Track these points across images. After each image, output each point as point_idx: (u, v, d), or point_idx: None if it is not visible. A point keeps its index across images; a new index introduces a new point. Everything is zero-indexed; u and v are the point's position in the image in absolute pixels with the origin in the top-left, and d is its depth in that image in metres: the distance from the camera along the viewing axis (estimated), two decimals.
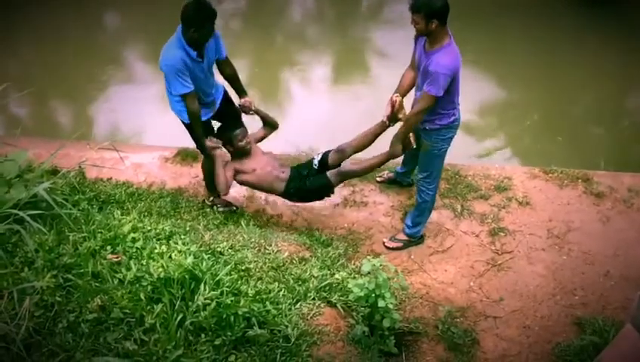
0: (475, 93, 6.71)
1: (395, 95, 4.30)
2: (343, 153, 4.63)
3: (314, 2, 9.94)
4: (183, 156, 5.67)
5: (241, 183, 4.80)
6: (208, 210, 5.02)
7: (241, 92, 4.73)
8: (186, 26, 4.06)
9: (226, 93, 4.78)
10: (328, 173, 4.62)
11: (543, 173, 5.46)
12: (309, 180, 4.66)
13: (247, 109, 4.74)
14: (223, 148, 4.70)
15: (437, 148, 4.32)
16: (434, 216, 4.95)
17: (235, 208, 5.09)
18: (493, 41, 7.97)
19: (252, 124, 4.90)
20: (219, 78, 4.67)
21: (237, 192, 5.34)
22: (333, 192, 4.76)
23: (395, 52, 7.21)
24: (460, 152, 5.52)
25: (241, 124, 4.78)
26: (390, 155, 4.42)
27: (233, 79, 4.67)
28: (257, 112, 4.82)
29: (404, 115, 4.27)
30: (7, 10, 8.73)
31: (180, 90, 4.20)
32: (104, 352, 2.92)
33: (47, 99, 7.23)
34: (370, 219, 5.07)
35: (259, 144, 4.94)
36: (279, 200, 5.21)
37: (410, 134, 4.30)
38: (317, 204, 5.14)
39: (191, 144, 4.92)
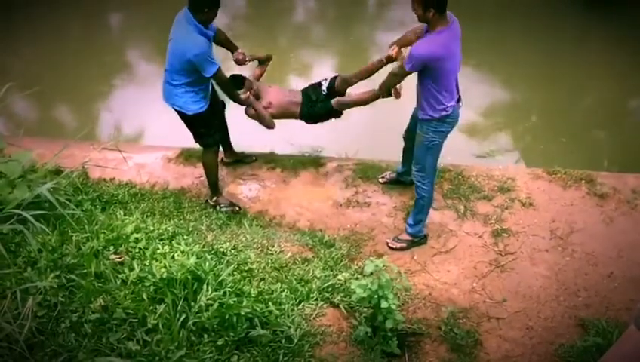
0: (478, 94, 6.71)
1: (393, 47, 4.49)
2: (348, 81, 5.05)
3: (317, 3, 9.95)
4: (186, 156, 5.67)
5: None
6: (211, 210, 5.03)
7: (233, 48, 4.97)
8: (198, 8, 4.24)
9: (214, 90, 4.94)
10: (333, 102, 5.01)
11: (547, 173, 5.45)
12: (318, 106, 5.09)
13: (242, 61, 4.99)
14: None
15: (427, 139, 4.35)
16: (437, 216, 4.94)
17: (238, 208, 5.10)
18: (495, 41, 7.97)
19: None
20: None
21: (241, 192, 5.35)
22: (340, 115, 5.15)
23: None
24: (463, 153, 5.53)
25: (223, 119, 5.06)
26: (377, 94, 4.71)
27: (226, 40, 4.90)
28: (252, 58, 5.09)
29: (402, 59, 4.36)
30: (9, 10, 8.76)
31: (214, 69, 4.38)
32: (107, 352, 2.92)
33: (50, 99, 7.24)
34: (372, 219, 5.06)
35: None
36: (282, 201, 5.22)
37: (398, 86, 4.56)
38: (319, 204, 5.14)
39: (193, 144, 4.94)
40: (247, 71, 5.24)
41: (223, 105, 5.18)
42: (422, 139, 4.38)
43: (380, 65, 4.70)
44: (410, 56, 4.00)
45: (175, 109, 4.66)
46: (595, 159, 6.25)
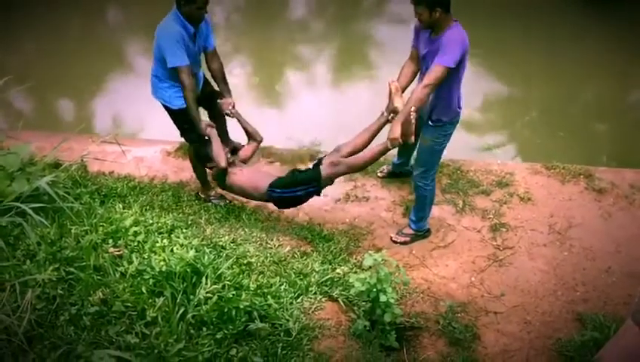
0: (476, 89, 6.71)
1: (392, 80, 4.26)
2: (338, 153, 4.45)
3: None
4: (185, 150, 5.66)
5: (230, 187, 4.66)
6: (210, 204, 5.03)
7: (226, 91, 4.70)
8: (177, 0, 4.14)
9: (205, 78, 4.85)
10: (321, 166, 4.41)
11: (545, 168, 5.46)
12: (300, 175, 4.52)
13: (226, 108, 4.65)
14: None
15: (439, 143, 4.30)
16: (435, 211, 4.94)
17: (228, 201, 5.09)
18: (494, 36, 7.95)
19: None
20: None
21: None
22: (319, 191, 4.48)
23: (397, 47, 7.18)
24: (461, 148, 5.52)
25: (217, 110, 4.78)
26: (387, 147, 4.14)
27: (220, 75, 4.67)
28: (238, 118, 4.74)
29: (402, 104, 4.13)
30: (8, 4, 8.73)
31: (176, 61, 4.18)
32: (106, 345, 2.93)
33: (49, 93, 7.23)
34: (371, 214, 5.06)
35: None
36: None
37: (413, 122, 3.94)
38: (318, 198, 5.14)
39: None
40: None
41: (217, 96, 4.82)
42: (431, 143, 4.30)
43: (382, 122, 4.38)
44: (450, 47, 3.76)
45: (161, 103, 4.63)
46: (593, 154, 6.25)
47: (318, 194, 4.51)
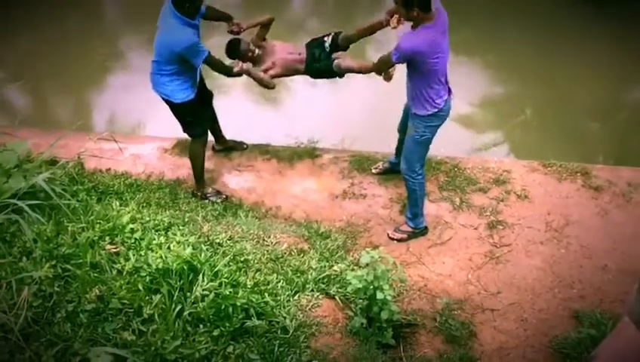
0: (473, 87, 6.71)
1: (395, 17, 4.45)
2: (350, 39, 5.03)
3: None
4: (182, 147, 5.66)
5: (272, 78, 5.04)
6: (207, 201, 5.02)
7: (227, 18, 4.94)
8: (180, 4, 4.26)
9: (201, 77, 4.96)
10: (334, 64, 4.95)
11: (542, 166, 5.46)
12: (320, 63, 5.01)
13: (237, 33, 4.96)
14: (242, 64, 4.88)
15: (418, 133, 4.39)
16: (432, 208, 4.95)
17: (225, 196, 5.12)
18: (491, 35, 7.95)
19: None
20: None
21: (236, 183, 5.34)
22: (342, 76, 5.10)
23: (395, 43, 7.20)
24: (458, 146, 5.53)
25: (211, 110, 5.09)
26: (373, 69, 4.66)
27: (217, 13, 4.89)
28: (250, 26, 5.04)
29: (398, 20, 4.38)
30: (7, 4, 8.71)
31: (203, 56, 4.40)
32: (102, 342, 2.92)
33: (45, 90, 7.23)
34: (368, 211, 5.07)
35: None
36: (278, 192, 5.22)
37: (390, 71, 4.59)
38: (315, 195, 5.15)
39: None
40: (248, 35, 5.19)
41: (211, 98, 5.19)
42: (413, 133, 4.43)
43: (380, 27, 4.76)
44: (397, 48, 4.04)
45: (162, 98, 4.65)
46: (590, 152, 6.26)
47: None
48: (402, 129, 4.84)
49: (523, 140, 6.63)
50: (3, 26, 8.25)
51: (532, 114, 7.02)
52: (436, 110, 4.27)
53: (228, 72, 4.77)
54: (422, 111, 4.30)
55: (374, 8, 9.21)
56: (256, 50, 5.01)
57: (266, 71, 4.96)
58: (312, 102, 6.89)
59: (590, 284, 4.39)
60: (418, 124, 4.36)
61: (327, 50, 5.01)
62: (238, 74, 4.84)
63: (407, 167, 4.56)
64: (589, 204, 5.08)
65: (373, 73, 4.72)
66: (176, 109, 4.70)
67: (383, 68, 4.49)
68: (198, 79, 4.79)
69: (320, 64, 5.03)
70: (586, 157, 5.89)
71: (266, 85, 4.98)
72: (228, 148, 5.62)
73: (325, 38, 5.08)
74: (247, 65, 4.91)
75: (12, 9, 8.60)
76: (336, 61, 4.98)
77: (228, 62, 4.86)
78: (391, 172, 5.35)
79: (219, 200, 5.03)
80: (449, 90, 4.34)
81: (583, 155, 5.94)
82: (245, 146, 5.67)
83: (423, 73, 4.13)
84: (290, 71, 5.13)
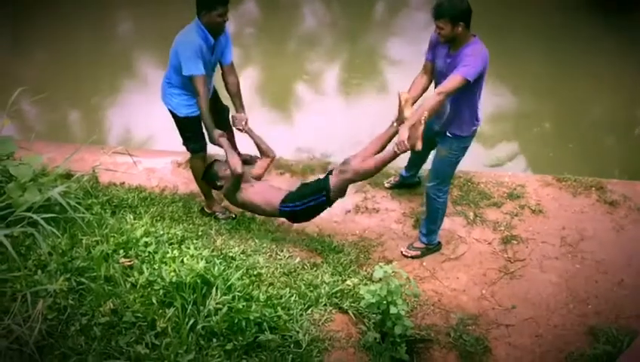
0: (487, 101, 6.67)
1: (402, 91, 4.17)
2: (346, 164, 4.31)
3: (326, 11, 9.97)
4: None
5: (242, 203, 4.60)
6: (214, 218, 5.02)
7: (239, 106, 4.69)
8: (199, 8, 4.18)
9: (215, 92, 4.85)
10: (330, 176, 4.36)
11: (557, 181, 5.43)
12: (309, 186, 4.52)
13: (238, 124, 4.65)
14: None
15: (455, 156, 4.30)
16: (446, 223, 4.93)
17: (234, 215, 5.07)
18: (505, 48, 7.94)
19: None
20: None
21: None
22: (330, 201, 4.41)
23: (407, 59, 7.22)
24: (472, 160, 5.50)
25: (226, 126, 4.76)
26: (395, 152, 3.96)
27: (235, 89, 4.67)
28: (250, 134, 4.69)
29: (412, 113, 4.02)
30: (21, 15, 8.83)
31: (192, 69, 4.20)
32: (116, 356, 2.92)
33: (61, 104, 7.29)
34: (381, 225, 5.05)
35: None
36: None
37: (421, 127, 3.76)
38: (328, 210, 5.13)
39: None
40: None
41: (227, 113, 4.99)
42: (448, 155, 4.30)
43: (392, 132, 4.26)
44: (472, 60, 3.75)
45: (168, 109, 4.66)
46: (605, 167, 6.22)
47: (330, 205, 4.45)
48: None
49: (537, 154, 6.60)
50: (18, 42, 8.36)
51: (546, 128, 7.00)
52: (475, 130, 4.20)
53: (207, 124, 4.42)
54: (464, 132, 4.18)
55: (385, 23, 9.28)
56: (246, 173, 4.54)
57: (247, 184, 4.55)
58: (325, 116, 6.90)
59: (606, 300, 4.35)
60: (457, 147, 4.24)
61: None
62: (213, 136, 4.42)
63: (436, 186, 4.46)
64: (604, 219, 5.04)
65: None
66: (178, 123, 4.67)
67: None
68: (209, 95, 4.70)
69: (312, 184, 4.53)
70: (601, 171, 5.85)
71: (233, 171, 4.36)
72: (242, 162, 5.57)
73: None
74: (225, 143, 4.42)
75: (26, 23, 8.71)
76: (332, 176, 4.34)
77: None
78: (402, 186, 5.33)
79: (228, 220, 4.99)
80: None
81: (597, 170, 5.90)
82: (256, 159, 5.48)
83: (478, 90, 3.99)
84: (261, 203, 4.51)
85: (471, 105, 4.07)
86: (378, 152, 4.32)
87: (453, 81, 3.79)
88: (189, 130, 4.68)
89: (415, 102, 4.23)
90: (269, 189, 4.62)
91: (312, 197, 4.37)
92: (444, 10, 3.73)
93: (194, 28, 4.25)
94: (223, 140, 4.43)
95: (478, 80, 3.86)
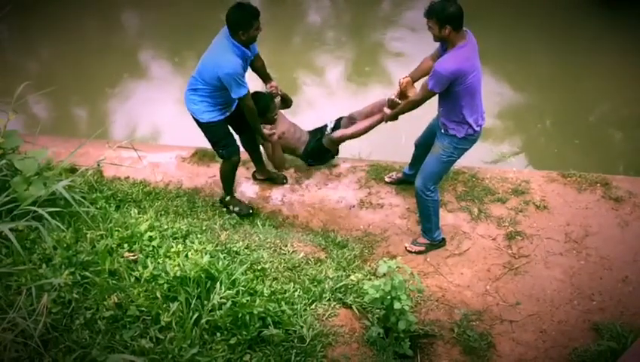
0: (491, 97, 6.68)
1: (404, 77, 4.45)
2: (353, 121, 5.18)
3: (330, 7, 9.95)
4: (200, 156, 5.69)
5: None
6: (224, 209, 5.04)
7: (268, 79, 4.99)
8: (235, 30, 4.20)
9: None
10: (323, 140, 5.20)
11: (561, 176, 5.41)
12: (310, 144, 5.29)
13: (276, 93, 5.05)
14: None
15: (446, 153, 4.31)
16: (450, 218, 4.93)
17: (251, 210, 5.08)
18: (510, 44, 7.92)
19: None
20: None
21: (254, 192, 5.36)
22: (333, 156, 5.40)
23: (412, 54, 7.20)
24: (476, 156, 5.50)
25: (248, 127, 4.86)
26: (380, 120, 4.80)
27: (263, 69, 4.89)
28: (282, 95, 5.17)
29: (413, 94, 4.36)
30: (27, 10, 8.83)
31: (242, 92, 4.33)
32: (120, 349, 2.94)
33: (66, 98, 7.30)
34: (386, 221, 5.05)
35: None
36: (295, 201, 5.23)
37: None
38: (333, 205, 5.14)
39: (206, 144, 4.93)
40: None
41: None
42: (440, 151, 4.33)
43: (389, 104, 4.62)
44: (434, 74, 3.91)
45: (191, 115, 4.65)
46: (610, 163, 6.19)
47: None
48: (421, 143, 4.80)
49: (542, 150, 6.58)
50: (23, 36, 8.37)
51: (551, 124, 6.97)
52: (470, 133, 4.20)
53: (256, 125, 4.75)
54: (459, 133, 4.19)
55: (390, 19, 9.25)
56: (276, 117, 5.18)
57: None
58: (330, 112, 6.89)
59: (610, 296, 4.34)
60: (448, 144, 4.26)
61: (328, 133, 5.26)
62: (263, 135, 4.89)
63: (422, 183, 4.47)
64: (609, 215, 5.02)
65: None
66: (202, 128, 4.69)
67: (410, 109, 4.35)
68: (233, 104, 4.72)
69: (310, 145, 5.31)
70: (606, 167, 5.83)
71: (278, 166, 5.28)
72: (268, 178, 5.52)
73: (328, 123, 5.37)
74: (275, 138, 5.02)
75: (32, 18, 8.71)
76: (326, 138, 5.18)
77: None
78: (403, 183, 5.32)
79: (241, 211, 5.04)
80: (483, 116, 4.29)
81: (602, 166, 5.88)
82: (285, 181, 5.48)
83: (462, 96, 4.01)
84: (289, 148, 5.34)
85: (458, 109, 4.09)
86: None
87: (421, 90, 4.13)
88: (214, 135, 4.71)
89: (418, 79, 4.44)
90: (295, 138, 5.36)
91: (317, 157, 5.38)
92: (432, 11, 3.85)
93: (230, 48, 4.25)
94: (272, 137, 4.96)
95: (453, 88, 3.96)
